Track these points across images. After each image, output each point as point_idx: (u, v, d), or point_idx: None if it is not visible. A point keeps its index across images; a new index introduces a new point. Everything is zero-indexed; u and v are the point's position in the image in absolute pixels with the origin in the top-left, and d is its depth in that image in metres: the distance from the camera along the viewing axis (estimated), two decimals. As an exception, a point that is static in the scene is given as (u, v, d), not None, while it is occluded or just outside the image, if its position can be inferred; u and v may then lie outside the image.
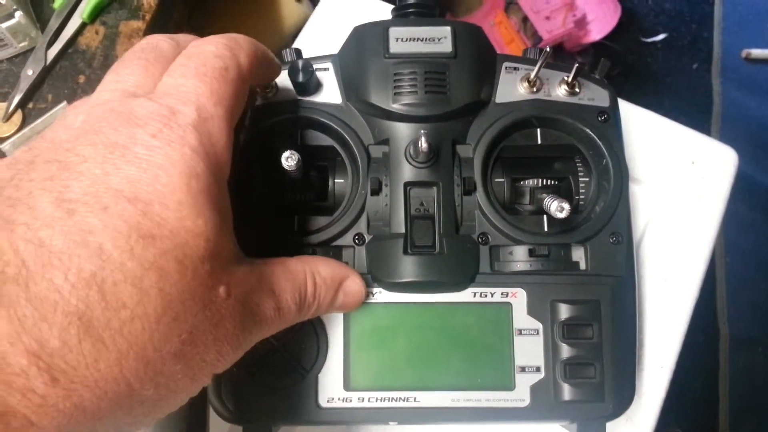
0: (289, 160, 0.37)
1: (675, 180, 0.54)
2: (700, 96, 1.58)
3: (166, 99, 0.29)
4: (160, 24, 0.63)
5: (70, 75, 0.57)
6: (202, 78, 0.30)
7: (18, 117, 0.56)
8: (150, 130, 0.27)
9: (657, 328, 0.50)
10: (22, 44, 0.57)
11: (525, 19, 1.46)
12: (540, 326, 0.39)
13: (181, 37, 0.35)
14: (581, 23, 1.47)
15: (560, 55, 1.49)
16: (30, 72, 0.56)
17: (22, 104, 0.56)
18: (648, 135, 0.55)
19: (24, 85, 0.56)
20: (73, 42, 0.59)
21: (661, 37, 1.62)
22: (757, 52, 1.60)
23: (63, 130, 0.27)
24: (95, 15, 0.59)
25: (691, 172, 0.54)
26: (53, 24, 0.58)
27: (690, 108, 1.55)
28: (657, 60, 1.60)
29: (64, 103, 0.56)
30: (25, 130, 0.55)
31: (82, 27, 0.59)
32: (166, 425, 0.41)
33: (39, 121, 0.55)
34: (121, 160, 0.25)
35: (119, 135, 0.26)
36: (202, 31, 0.81)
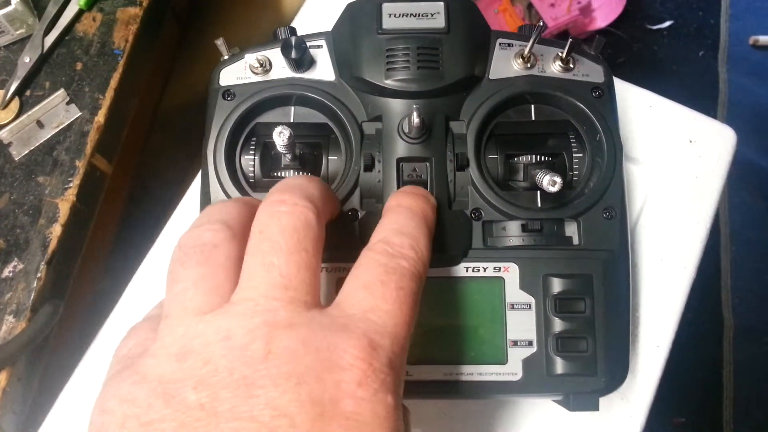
0: (281, 135, 0.37)
1: (672, 159, 0.53)
2: (707, 83, 1.56)
3: (364, 326, 0.25)
4: (157, 11, 0.63)
5: (68, 62, 0.58)
6: (400, 305, 0.27)
7: (15, 104, 0.56)
8: (355, 376, 0.23)
9: (653, 306, 0.49)
10: (19, 31, 0.57)
11: (530, 6, 1.45)
12: (532, 300, 0.39)
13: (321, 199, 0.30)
14: (586, 10, 1.46)
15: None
16: (27, 59, 0.56)
17: (19, 92, 0.56)
18: (645, 114, 0.55)
19: (21, 73, 0.56)
20: (70, 29, 0.59)
21: (667, 24, 1.61)
22: (764, 39, 1.59)
23: (244, 361, 0.23)
24: (92, 2, 0.59)
25: (689, 151, 0.54)
26: (50, 11, 0.58)
27: (696, 95, 1.54)
28: (663, 47, 1.59)
29: (62, 90, 0.56)
30: (23, 117, 0.55)
31: (79, 14, 0.59)
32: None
33: (36, 108, 0.56)
34: (332, 425, 0.22)
35: (325, 387, 0.23)
36: (202, 17, 0.82)
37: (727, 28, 1.62)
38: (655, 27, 1.60)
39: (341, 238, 0.40)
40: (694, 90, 1.55)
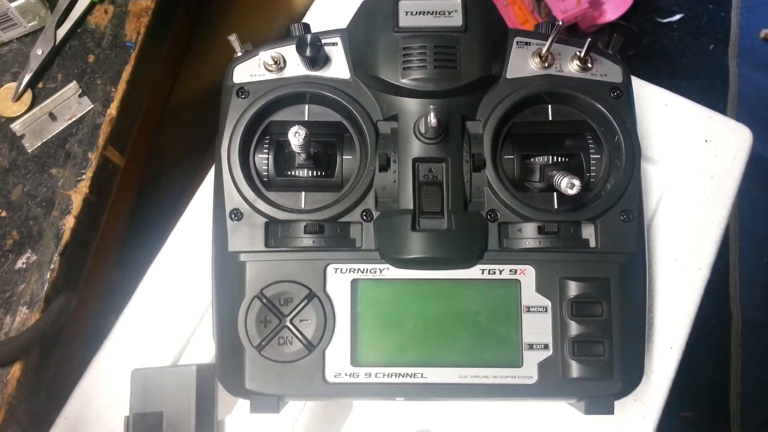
0: (296, 135, 0.37)
1: (688, 158, 0.53)
2: (717, 77, 1.54)
3: None
4: (168, 3, 0.62)
5: (80, 55, 0.57)
6: None
7: (28, 97, 0.56)
8: None
9: (667, 307, 0.49)
10: (31, 24, 0.57)
11: (539, -1, 1.44)
12: (548, 303, 0.39)
13: None
14: (596, 3, 1.45)
15: (574, 36, 1.47)
16: (39, 51, 0.56)
17: (31, 84, 0.56)
18: (661, 113, 0.54)
19: (33, 65, 0.56)
20: (82, 21, 0.58)
21: (677, 17, 1.59)
22: (776, 33, 1.57)
23: None
24: (104, -7, 0.59)
25: (704, 150, 0.53)
26: (62, 3, 0.57)
27: (706, 90, 1.52)
28: (673, 41, 1.57)
29: (74, 83, 0.56)
30: (35, 109, 0.55)
31: (92, 6, 0.59)
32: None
33: (49, 100, 0.55)
34: None
35: None
36: (212, 8, 0.81)
37: (738, 22, 1.60)
38: (665, 20, 1.58)
39: (356, 239, 0.40)
40: (705, 84, 1.53)
